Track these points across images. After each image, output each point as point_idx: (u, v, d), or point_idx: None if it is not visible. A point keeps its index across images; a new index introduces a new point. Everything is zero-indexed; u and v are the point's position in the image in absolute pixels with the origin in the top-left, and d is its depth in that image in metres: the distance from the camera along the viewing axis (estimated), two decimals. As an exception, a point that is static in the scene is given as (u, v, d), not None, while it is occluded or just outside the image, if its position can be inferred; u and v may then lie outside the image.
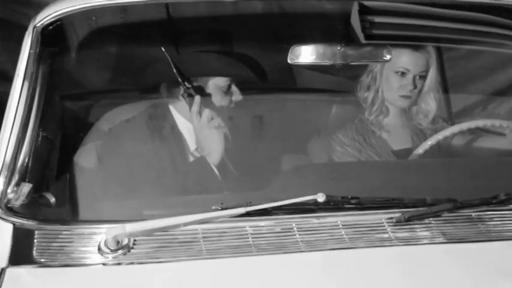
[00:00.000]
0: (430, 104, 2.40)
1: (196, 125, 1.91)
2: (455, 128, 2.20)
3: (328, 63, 2.06)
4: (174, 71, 1.90)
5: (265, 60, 2.39)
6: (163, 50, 1.92)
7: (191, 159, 1.94)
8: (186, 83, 1.92)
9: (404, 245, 1.52)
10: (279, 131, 2.35)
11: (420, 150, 2.15)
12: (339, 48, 2.05)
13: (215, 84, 1.98)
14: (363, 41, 2.13)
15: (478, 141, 2.30)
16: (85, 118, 2.04)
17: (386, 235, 1.55)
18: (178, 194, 1.80)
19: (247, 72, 2.05)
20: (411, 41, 2.34)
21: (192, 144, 1.97)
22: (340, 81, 2.72)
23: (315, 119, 2.50)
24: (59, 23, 1.90)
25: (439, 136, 2.16)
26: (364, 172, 1.81)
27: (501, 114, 2.74)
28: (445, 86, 2.88)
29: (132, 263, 1.47)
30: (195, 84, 1.95)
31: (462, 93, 2.95)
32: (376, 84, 2.38)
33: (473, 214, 1.63)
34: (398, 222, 1.58)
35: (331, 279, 1.44)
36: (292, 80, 2.89)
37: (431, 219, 1.60)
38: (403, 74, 2.32)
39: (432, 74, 2.37)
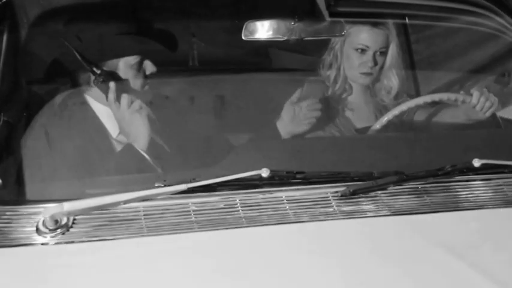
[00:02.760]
0: (392, 80, 2.38)
1: (117, 113, 1.83)
2: (412, 102, 2.17)
3: (282, 39, 2.04)
4: (79, 58, 1.83)
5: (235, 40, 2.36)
6: (62, 36, 1.86)
7: (116, 145, 1.88)
8: (95, 69, 1.85)
9: (348, 218, 1.51)
10: (240, 109, 2.33)
11: (378, 125, 2.13)
12: (292, 23, 2.02)
13: (126, 63, 1.90)
14: (328, 18, 2.10)
15: (439, 115, 2.28)
16: (35, 100, 1.99)
17: (331, 209, 1.53)
18: (122, 173, 1.77)
19: (157, 46, 1.96)
20: (377, 18, 2.31)
21: (113, 131, 1.90)
22: (304, 59, 2.70)
23: (279, 97, 2.47)
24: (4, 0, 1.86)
25: (395, 111, 2.14)
26: (312, 148, 1.78)
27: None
28: (411, 63, 2.86)
29: (72, 242, 1.45)
30: (104, 68, 1.87)
31: (438, 71, 2.93)
32: (338, 62, 2.35)
33: (419, 186, 1.61)
34: (343, 196, 1.56)
35: (272, 254, 1.41)
36: (258, 59, 2.87)
37: (377, 192, 1.58)
38: (363, 51, 2.29)
39: (393, 50, 2.34)
